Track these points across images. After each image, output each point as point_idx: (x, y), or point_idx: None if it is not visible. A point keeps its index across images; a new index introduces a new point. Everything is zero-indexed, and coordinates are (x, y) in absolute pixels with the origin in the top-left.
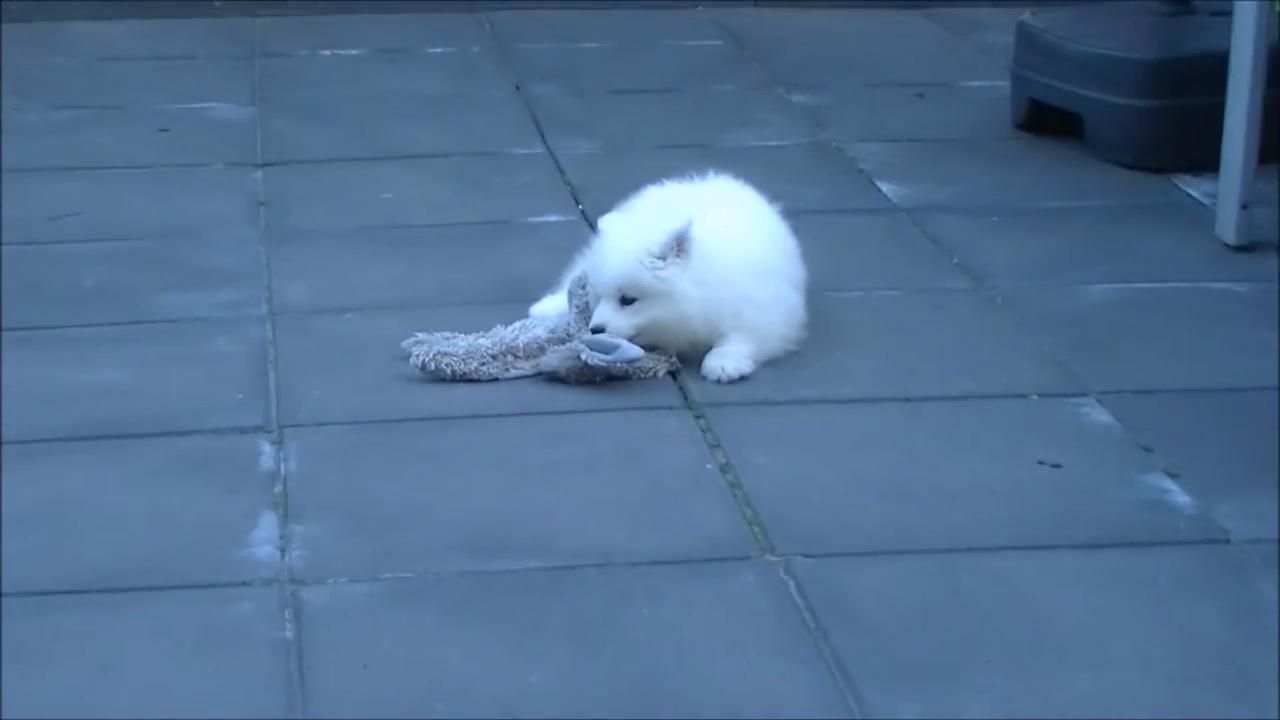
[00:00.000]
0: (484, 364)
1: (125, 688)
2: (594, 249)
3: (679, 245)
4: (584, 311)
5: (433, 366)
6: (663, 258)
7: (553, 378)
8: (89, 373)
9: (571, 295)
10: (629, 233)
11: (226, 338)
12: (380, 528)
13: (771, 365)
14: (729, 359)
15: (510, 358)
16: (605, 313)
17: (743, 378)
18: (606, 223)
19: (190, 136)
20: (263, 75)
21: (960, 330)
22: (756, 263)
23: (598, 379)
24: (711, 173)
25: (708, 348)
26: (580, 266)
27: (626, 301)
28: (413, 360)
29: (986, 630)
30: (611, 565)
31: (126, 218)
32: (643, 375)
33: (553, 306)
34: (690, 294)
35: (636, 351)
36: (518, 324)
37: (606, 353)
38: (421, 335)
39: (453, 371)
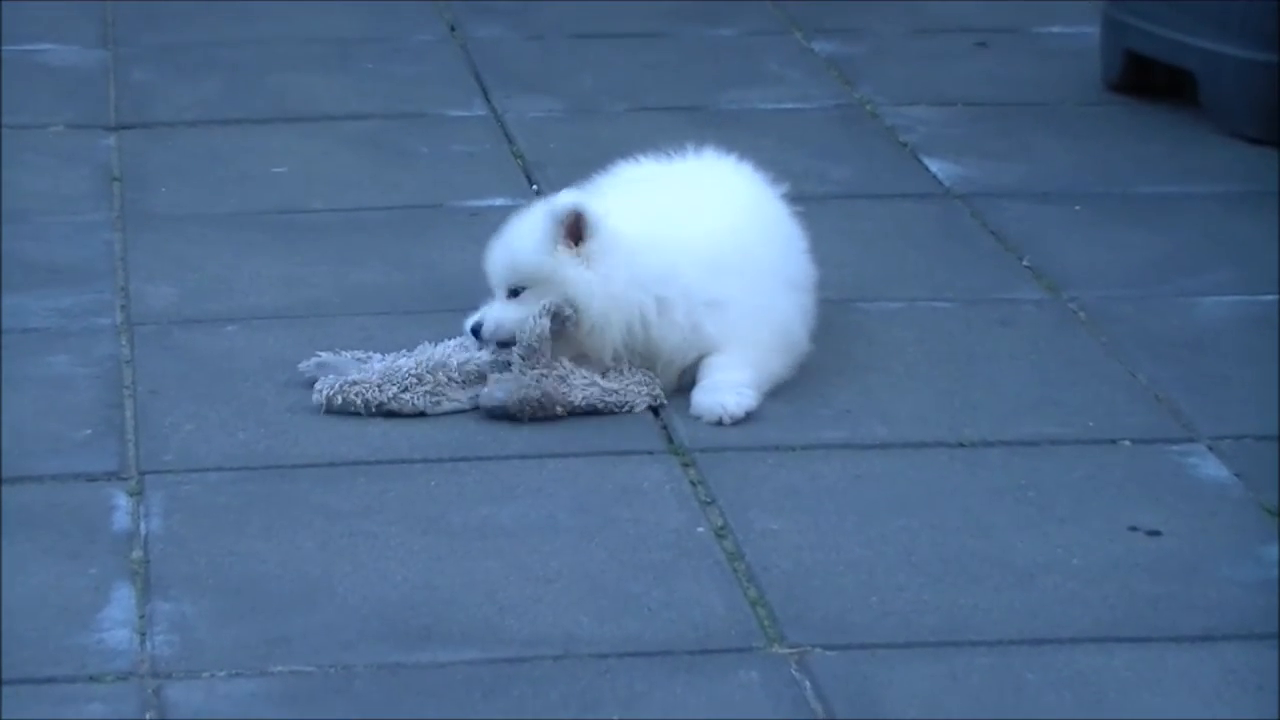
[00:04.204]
0: (407, 392)
1: None
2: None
3: (576, 228)
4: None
5: (339, 401)
6: (554, 240)
7: (498, 413)
8: None
9: None
10: (528, 212)
11: (69, 355)
12: (269, 607)
13: (784, 398)
14: (728, 393)
15: (441, 384)
16: (489, 308)
17: (748, 415)
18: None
19: (19, 88)
20: (117, 7)
21: (1031, 355)
22: (721, 256)
23: (559, 411)
24: (692, 148)
25: (689, 374)
26: None
27: (514, 293)
28: (316, 396)
29: None
30: (572, 658)
31: None
32: (615, 410)
33: None
34: (590, 286)
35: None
36: (452, 342)
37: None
38: (325, 355)
39: (365, 402)
